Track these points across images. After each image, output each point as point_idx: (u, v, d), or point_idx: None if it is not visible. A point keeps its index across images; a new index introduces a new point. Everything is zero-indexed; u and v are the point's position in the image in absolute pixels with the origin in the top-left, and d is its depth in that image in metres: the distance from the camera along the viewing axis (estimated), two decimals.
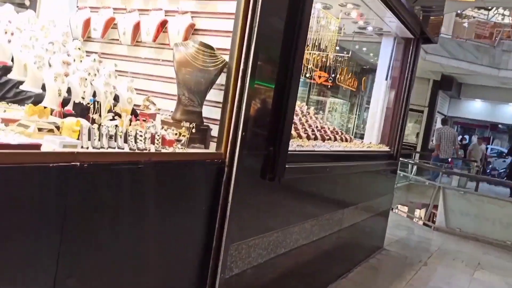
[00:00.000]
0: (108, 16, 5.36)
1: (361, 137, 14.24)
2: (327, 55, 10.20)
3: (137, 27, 5.11)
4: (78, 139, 3.34)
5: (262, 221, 5.08)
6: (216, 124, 4.32)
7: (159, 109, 4.92)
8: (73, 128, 3.40)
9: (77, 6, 5.73)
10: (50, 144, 3.02)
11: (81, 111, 4.19)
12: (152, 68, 5.13)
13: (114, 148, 3.50)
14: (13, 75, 4.51)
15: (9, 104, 4.23)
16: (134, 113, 5.01)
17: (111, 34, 5.45)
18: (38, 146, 2.79)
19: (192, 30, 4.56)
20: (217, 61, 4.52)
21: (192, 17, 4.78)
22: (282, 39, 4.80)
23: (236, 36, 4.36)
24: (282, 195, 5.30)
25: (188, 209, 4.11)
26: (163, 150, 3.93)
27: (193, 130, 4.31)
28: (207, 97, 4.32)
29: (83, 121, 3.60)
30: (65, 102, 4.38)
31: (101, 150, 3.31)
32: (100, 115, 4.10)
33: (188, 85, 4.21)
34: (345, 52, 12.50)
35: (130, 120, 4.48)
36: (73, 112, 4.29)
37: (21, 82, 4.44)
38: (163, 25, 4.96)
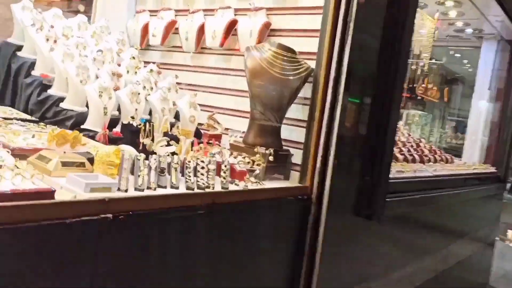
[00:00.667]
0: (168, 19, 4.49)
1: (448, 152, 12.47)
2: (418, 62, 8.78)
3: (201, 30, 4.17)
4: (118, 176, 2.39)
5: (357, 269, 3.91)
6: (299, 149, 3.53)
7: (227, 129, 3.91)
8: (110, 161, 2.45)
9: (136, 10, 4.89)
10: (71, 188, 2.08)
11: (131, 134, 3.26)
12: (220, 79, 4.16)
13: (165, 187, 2.50)
14: (53, 90, 3.71)
15: (45, 126, 3.41)
16: (198, 134, 4.05)
17: (172, 40, 4.57)
18: (48, 194, 1.85)
19: (267, 31, 3.54)
20: (299, 68, 3.44)
21: (267, 14, 3.74)
22: (381, 40, 3.63)
23: (325, 36, 3.29)
24: (381, 236, 4.09)
25: (264, 263, 3.05)
26: (232, 187, 2.90)
27: (271, 158, 3.25)
28: (287, 114, 3.21)
29: (126, 150, 2.65)
30: (113, 123, 3.49)
31: (147, 192, 2.33)
32: (153, 140, 3.15)
33: (264, 99, 3.16)
34: (434, 59, 10.99)
35: (192, 144, 3.51)
36: (122, 135, 3.38)
37: (62, 99, 3.62)
38: (232, 26, 3.97)
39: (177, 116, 4.05)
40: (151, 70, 4.10)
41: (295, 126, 3.51)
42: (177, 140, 3.23)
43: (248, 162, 3.23)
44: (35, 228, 1.83)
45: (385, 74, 3.62)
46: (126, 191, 2.27)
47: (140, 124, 3.23)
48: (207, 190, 2.66)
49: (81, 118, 3.46)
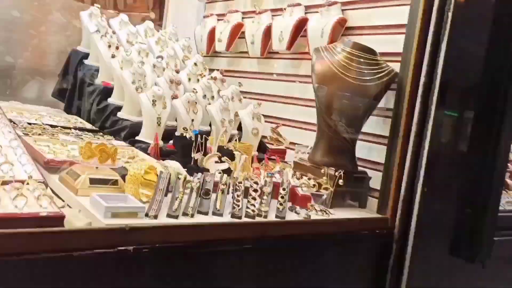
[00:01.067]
0: (234, 22, 4.12)
1: None
2: None
3: (267, 33, 3.75)
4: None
5: None
6: (378, 170, 2.96)
7: (293, 144, 3.43)
8: (146, 179, 2.08)
9: (203, 15, 4.61)
10: (92, 211, 1.74)
11: (185, 148, 2.91)
12: (287, 87, 3.70)
13: (207, 213, 2.09)
14: (112, 99, 3.49)
15: (103, 136, 3.18)
16: (262, 149, 3.62)
17: (239, 45, 4.19)
18: (55, 219, 1.51)
19: (342, 29, 3.02)
20: (380, 72, 2.88)
21: (342, 10, 3.21)
22: (489, 40, 2.95)
23: (414, 32, 2.70)
24: (487, 284, 3.30)
25: None
26: (290, 215, 2.42)
27: (341, 181, 2.71)
28: (363, 128, 2.65)
29: (169, 166, 2.28)
30: (171, 135, 3.17)
31: (181, 220, 1.93)
32: (205, 154, 2.77)
33: (335, 110, 2.62)
34: None
35: (252, 161, 3.09)
36: (176, 148, 3.05)
37: (120, 108, 3.38)
38: (301, 26, 3.50)
39: (241, 128, 3.65)
40: (213, 78, 3.75)
41: (374, 143, 3.00)
42: (232, 156, 2.81)
43: (314, 185, 2.72)
44: (32, 261, 1.49)
45: (494, 81, 2.91)
46: (155, 217, 1.87)
47: (196, 135, 2.87)
48: (257, 219, 2.20)
49: (137, 128, 3.18)
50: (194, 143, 2.79)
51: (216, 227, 1.99)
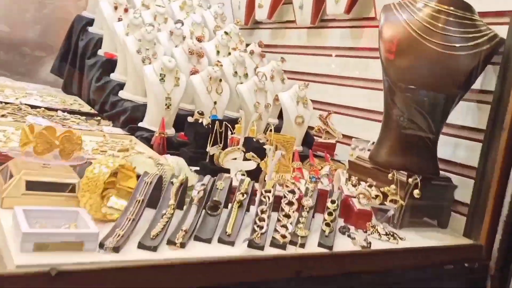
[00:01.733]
0: None
1: None
2: None
3: None
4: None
5: None
6: (466, 176, 2.30)
7: (347, 138, 2.68)
8: (125, 186, 1.43)
9: None
10: (9, 239, 1.10)
11: (197, 138, 2.24)
12: (344, 64, 2.97)
13: (209, 241, 1.40)
14: (115, 74, 2.88)
15: (98, 122, 2.58)
16: (308, 143, 2.89)
17: (284, 13, 3.47)
18: None
19: None
20: (478, 38, 2.10)
21: None
22: None
23: None
24: None
25: None
26: (340, 241, 1.70)
27: (417, 192, 1.94)
28: (449, 118, 1.80)
29: (159, 164, 1.62)
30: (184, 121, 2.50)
31: (162, 255, 1.24)
32: (224, 149, 2.08)
33: (411, 90, 1.81)
34: None
35: (293, 159, 2.40)
36: (188, 139, 2.38)
37: (122, 85, 2.76)
38: None
39: (281, 116, 2.94)
40: (246, 51, 3.05)
41: (463, 139, 2.34)
42: (263, 152, 2.09)
43: (376, 196, 1.98)
44: None
45: None
46: (116, 250, 1.20)
47: (213, 120, 2.19)
48: (289, 250, 1.49)
49: (140, 112, 2.54)
50: (210, 133, 2.10)
51: (218, 267, 1.29)
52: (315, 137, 2.96)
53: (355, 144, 2.58)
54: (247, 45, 3.39)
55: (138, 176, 1.57)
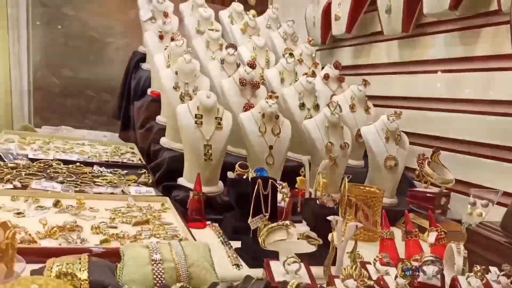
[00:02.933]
0: None
1: None
2: None
3: None
4: None
5: None
6: None
7: (465, 185, 1.84)
8: None
9: None
10: None
11: (240, 201, 1.59)
12: (453, 82, 2.10)
13: None
14: (160, 116, 2.35)
15: (140, 175, 2.06)
16: (406, 189, 2.10)
17: (367, 24, 2.73)
18: None
19: None
20: None
21: None
22: None
23: None
24: None
25: None
26: None
27: None
28: None
29: None
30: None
31: None
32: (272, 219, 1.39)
33: None
34: None
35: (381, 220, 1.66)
36: (230, 199, 1.74)
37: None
38: None
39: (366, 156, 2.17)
40: (317, 75, 2.34)
41: None
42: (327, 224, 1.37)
43: None
44: None
45: None
46: None
47: (254, 178, 1.52)
48: None
49: (179, 164, 1.95)
50: (251, 194, 1.43)
51: None
52: (416, 181, 2.14)
53: (476, 197, 1.72)
54: (323, 68, 2.69)
55: None
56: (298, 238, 1.32)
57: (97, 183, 1.98)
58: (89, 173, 2.13)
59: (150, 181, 2.09)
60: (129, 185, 1.99)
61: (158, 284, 1.09)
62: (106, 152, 2.59)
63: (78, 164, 2.21)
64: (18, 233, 1.08)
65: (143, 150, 2.48)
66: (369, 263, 1.48)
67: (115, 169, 2.23)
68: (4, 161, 2.03)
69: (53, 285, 0.83)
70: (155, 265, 1.11)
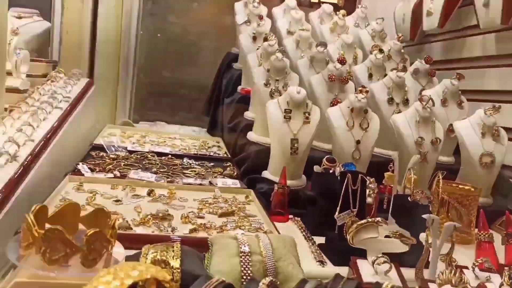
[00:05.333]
0: None
1: None
2: None
3: None
4: None
5: None
6: None
7: None
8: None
9: None
10: None
11: (324, 196, 1.48)
12: None
13: None
14: (249, 112, 2.31)
15: (225, 167, 2.03)
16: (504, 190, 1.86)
17: (461, 18, 2.47)
18: None
19: None
20: None
21: None
22: None
23: None
24: None
25: None
26: None
27: None
28: None
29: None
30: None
31: None
32: (360, 214, 1.27)
33: None
34: None
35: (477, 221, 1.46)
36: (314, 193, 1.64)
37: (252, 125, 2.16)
38: None
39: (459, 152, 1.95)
40: (407, 70, 2.15)
41: None
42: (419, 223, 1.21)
43: None
44: None
45: None
46: None
47: (343, 172, 1.40)
48: None
49: (265, 158, 1.88)
50: (338, 189, 1.32)
51: None
52: None
53: None
54: (412, 64, 2.48)
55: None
56: (389, 237, 1.18)
57: (186, 174, 1.97)
58: (179, 165, 2.14)
59: (235, 173, 2.04)
60: (215, 177, 1.96)
61: (244, 277, 1.02)
62: (194, 146, 2.60)
63: (170, 156, 2.23)
64: (117, 220, 1.05)
65: (229, 144, 2.46)
66: (466, 267, 1.30)
67: (203, 161, 2.22)
68: (107, 152, 2.11)
69: (152, 272, 0.79)
70: (243, 257, 1.04)
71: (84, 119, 2.16)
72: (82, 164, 1.82)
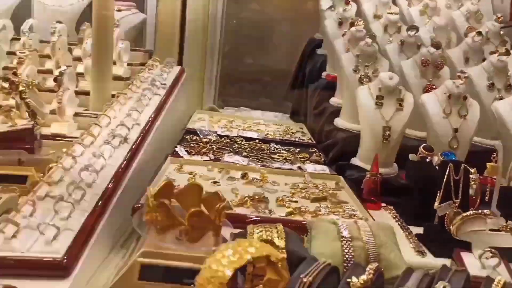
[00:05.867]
0: None
1: None
2: None
3: None
4: None
5: None
6: None
7: None
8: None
9: None
10: None
11: (420, 185, 1.44)
12: None
13: None
14: (335, 98, 2.28)
15: (311, 153, 2.04)
16: None
17: None
18: None
19: None
20: None
21: None
22: None
23: None
24: None
25: None
26: None
27: None
28: None
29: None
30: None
31: None
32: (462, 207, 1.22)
33: None
34: None
35: None
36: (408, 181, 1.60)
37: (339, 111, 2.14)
38: None
39: None
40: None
41: None
42: None
43: None
44: None
45: None
46: None
47: (444, 162, 1.35)
48: None
49: (354, 144, 1.86)
50: (438, 179, 1.27)
51: None
52: None
53: None
54: None
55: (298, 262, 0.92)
56: (497, 230, 1.12)
57: (275, 159, 2.01)
58: (267, 149, 2.17)
59: (322, 159, 2.04)
60: (302, 162, 1.97)
61: (347, 261, 1.02)
62: (278, 131, 2.62)
63: (257, 141, 2.29)
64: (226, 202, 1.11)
65: (313, 130, 2.44)
66: None
67: (289, 146, 2.24)
68: (199, 136, 2.20)
69: (266, 250, 0.83)
70: (344, 241, 1.04)
71: (179, 105, 2.27)
72: (180, 147, 1.93)
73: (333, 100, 2.30)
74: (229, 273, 0.77)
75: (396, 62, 2.13)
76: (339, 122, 2.07)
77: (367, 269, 0.88)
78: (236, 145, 2.19)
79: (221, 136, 2.29)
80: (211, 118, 2.81)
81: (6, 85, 1.54)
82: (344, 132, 1.99)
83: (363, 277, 0.84)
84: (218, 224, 1.05)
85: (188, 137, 2.17)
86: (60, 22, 2.36)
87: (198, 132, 2.22)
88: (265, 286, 0.86)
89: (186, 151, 1.90)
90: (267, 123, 2.84)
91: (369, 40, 2.00)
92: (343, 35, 2.39)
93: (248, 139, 2.29)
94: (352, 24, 2.39)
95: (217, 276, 0.78)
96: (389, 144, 1.71)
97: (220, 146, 2.13)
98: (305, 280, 0.83)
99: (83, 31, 2.40)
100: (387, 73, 1.76)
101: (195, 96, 3.14)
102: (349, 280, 0.84)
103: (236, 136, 2.30)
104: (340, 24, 2.51)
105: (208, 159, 1.82)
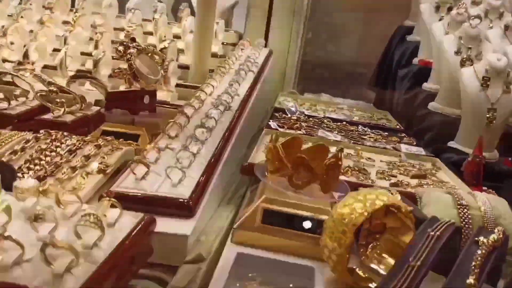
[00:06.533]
0: None
1: None
2: None
3: None
4: None
5: None
6: None
7: None
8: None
9: None
10: None
11: None
12: None
13: None
14: (428, 83, 2.22)
15: (401, 137, 2.01)
16: None
17: None
18: None
19: None
20: None
21: None
22: None
23: None
24: None
25: None
26: None
27: None
28: None
29: (460, 205, 0.92)
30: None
31: None
32: None
33: None
34: None
35: None
36: None
37: (435, 96, 2.07)
38: None
39: None
40: None
41: None
42: None
43: None
44: None
45: None
46: None
47: None
48: None
49: (451, 128, 1.80)
50: None
51: None
52: None
53: None
54: None
55: (420, 222, 0.91)
56: None
57: (365, 140, 1.99)
58: (355, 131, 2.17)
59: (414, 143, 1.99)
60: (395, 144, 1.94)
61: (465, 227, 1.00)
62: (363, 117, 2.59)
63: (344, 123, 2.27)
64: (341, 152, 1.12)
65: (402, 117, 2.39)
66: None
67: (377, 130, 2.21)
68: (287, 115, 2.24)
69: (396, 199, 0.84)
70: (461, 209, 1.02)
71: (268, 84, 2.32)
72: (272, 121, 1.98)
73: (426, 85, 2.23)
74: (364, 215, 0.79)
75: (498, 46, 2.03)
76: (435, 105, 2.00)
77: (496, 230, 0.86)
78: (324, 125, 2.20)
79: (308, 116, 2.31)
80: (295, 100, 2.84)
81: (121, 48, 1.65)
82: (439, 115, 1.93)
83: (494, 235, 0.82)
84: (326, 179, 1.06)
85: (277, 114, 2.22)
86: (160, 1, 2.51)
87: (287, 110, 2.25)
88: (389, 234, 0.87)
89: (278, 125, 1.94)
90: (350, 108, 2.82)
91: (473, 22, 1.91)
92: (440, 19, 2.33)
93: (335, 120, 2.29)
94: (449, 9, 2.31)
95: (350, 218, 0.80)
96: (493, 127, 1.63)
97: (309, 125, 2.15)
98: (432, 233, 0.83)
99: (181, 11, 2.55)
100: (495, 54, 1.68)
101: (278, 79, 3.19)
102: (478, 238, 0.83)
103: (323, 117, 2.31)
104: (437, 8, 2.44)
105: (302, 133, 1.85)
